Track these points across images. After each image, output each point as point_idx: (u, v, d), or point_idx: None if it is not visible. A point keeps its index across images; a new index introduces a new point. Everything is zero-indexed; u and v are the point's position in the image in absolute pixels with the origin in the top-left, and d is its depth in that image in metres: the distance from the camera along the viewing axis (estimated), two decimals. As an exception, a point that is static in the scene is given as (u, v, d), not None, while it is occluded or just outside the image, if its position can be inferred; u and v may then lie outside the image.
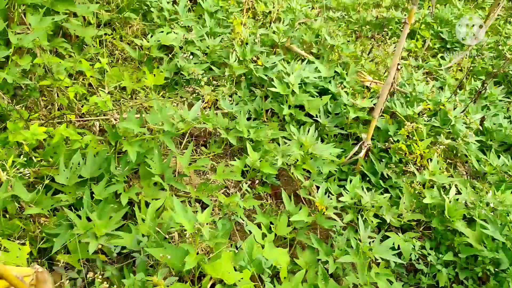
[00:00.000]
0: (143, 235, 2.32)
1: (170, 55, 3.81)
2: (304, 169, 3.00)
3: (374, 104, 3.60)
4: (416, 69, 4.79)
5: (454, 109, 3.69)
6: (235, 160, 2.99)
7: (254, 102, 3.69)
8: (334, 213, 2.75)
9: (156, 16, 4.13)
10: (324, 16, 5.45)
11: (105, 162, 2.59)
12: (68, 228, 2.26)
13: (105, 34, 3.71)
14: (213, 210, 2.83)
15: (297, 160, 3.00)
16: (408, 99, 3.91)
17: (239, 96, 3.73)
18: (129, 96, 3.53)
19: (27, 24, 2.82)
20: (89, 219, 2.27)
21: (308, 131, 3.13)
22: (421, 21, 5.64)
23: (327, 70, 4.01)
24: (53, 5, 2.89)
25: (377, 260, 2.55)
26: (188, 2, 4.37)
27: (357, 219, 2.69)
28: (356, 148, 3.30)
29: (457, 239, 2.77)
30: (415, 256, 2.72)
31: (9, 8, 2.78)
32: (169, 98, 3.61)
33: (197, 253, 2.17)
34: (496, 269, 2.62)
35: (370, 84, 4.07)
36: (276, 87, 3.58)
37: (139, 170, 2.76)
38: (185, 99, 3.60)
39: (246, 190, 2.91)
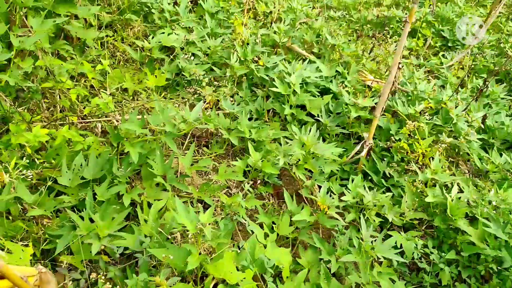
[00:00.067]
0: (145, 236, 2.33)
1: (171, 56, 3.82)
2: (306, 169, 3.00)
3: (375, 103, 3.60)
4: (418, 67, 4.78)
5: (456, 107, 3.68)
6: (237, 160, 3.00)
7: (255, 102, 3.70)
8: (336, 213, 2.75)
9: (157, 17, 4.15)
10: (325, 16, 5.46)
11: (107, 163, 2.61)
12: (71, 229, 2.27)
13: (107, 36, 3.73)
14: (215, 210, 2.84)
15: (299, 160, 3.00)
16: (409, 97, 3.90)
17: (240, 97, 3.73)
18: (131, 97, 3.54)
19: (28, 26, 2.83)
20: (91, 220, 2.28)
21: (310, 130, 3.13)
22: (422, 19, 5.64)
23: (328, 69, 4.02)
24: (55, 7, 2.90)
25: (380, 259, 2.55)
26: (189, 3, 4.38)
27: (359, 218, 2.69)
28: (358, 147, 3.30)
29: (459, 237, 2.77)
30: (418, 254, 2.72)
31: (11, 11, 2.79)
32: (171, 99, 3.61)
33: (200, 253, 2.18)
34: (498, 267, 2.61)
35: (371, 83, 4.07)
36: (277, 87, 3.58)
37: (141, 171, 2.77)
38: (186, 100, 3.61)
39: (248, 190, 2.91)
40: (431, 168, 3.07)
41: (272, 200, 3.13)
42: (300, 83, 3.62)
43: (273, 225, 2.72)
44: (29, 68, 2.76)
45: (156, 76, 3.31)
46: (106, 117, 3.14)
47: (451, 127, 3.61)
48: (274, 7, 4.94)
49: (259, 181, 3.11)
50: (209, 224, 2.18)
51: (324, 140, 3.53)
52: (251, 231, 2.65)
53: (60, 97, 3.05)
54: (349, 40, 4.90)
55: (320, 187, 2.92)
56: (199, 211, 2.39)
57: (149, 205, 2.55)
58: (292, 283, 2.37)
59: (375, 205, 2.80)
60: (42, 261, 2.29)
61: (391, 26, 5.63)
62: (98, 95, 3.29)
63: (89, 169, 2.55)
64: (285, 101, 3.62)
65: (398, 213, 2.85)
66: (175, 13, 4.21)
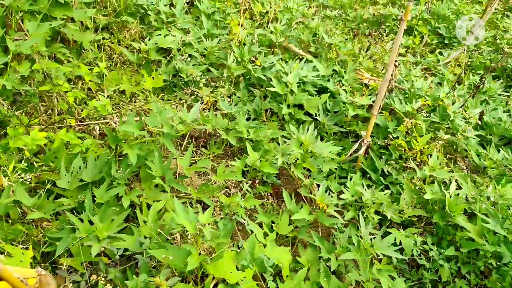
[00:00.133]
0: (145, 237, 2.33)
1: (168, 58, 3.83)
2: (304, 168, 3.01)
3: (372, 101, 3.61)
4: (414, 65, 4.79)
5: (453, 104, 3.69)
6: (235, 161, 3.00)
7: (253, 102, 3.70)
8: (335, 211, 2.76)
9: (154, 19, 4.15)
10: (321, 15, 5.47)
11: (106, 165, 2.61)
12: (71, 231, 2.27)
13: (103, 38, 3.73)
14: (214, 210, 2.84)
15: (297, 159, 3.00)
16: (406, 95, 3.91)
17: (238, 97, 3.74)
18: (128, 99, 3.54)
19: (24, 30, 2.83)
20: (91, 222, 2.29)
21: (308, 129, 3.14)
22: (418, 17, 5.65)
23: (325, 68, 4.03)
24: (50, 11, 2.90)
25: (379, 256, 2.56)
26: (185, 4, 4.38)
27: (358, 216, 2.69)
28: (356, 145, 3.30)
29: (458, 233, 2.77)
30: (417, 251, 2.72)
31: (7, 15, 2.79)
32: (168, 100, 3.62)
33: (199, 254, 2.18)
34: (498, 263, 2.62)
35: (368, 82, 4.08)
36: (274, 87, 3.59)
37: (140, 172, 2.77)
38: (184, 101, 3.61)
39: (247, 190, 2.92)
40: (429, 165, 3.08)
41: (271, 199, 3.14)
42: (297, 83, 3.62)
43: (273, 224, 2.73)
44: (26, 72, 2.76)
45: (153, 77, 3.31)
46: (104, 119, 3.14)
47: (448, 124, 3.62)
48: (270, 7, 4.95)
49: (257, 181, 3.12)
50: (209, 224, 2.18)
51: (322, 139, 3.54)
52: (251, 230, 2.65)
53: (57, 100, 3.06)
54: (346, 39, 4.91)
55: (318, 185, 2.92)
56: (198, 212, 2.39)
57: (148, 206, 2.55)
58: (292, 282, 2.38)
59: (373, 203, 2.81)
60: (42, 264, 2.29)
61: (387, 24, 5.65)
62: (96, 98, 3.29)
63: (87, 171, 2.55)
64: (283, 100, 3.63)
65: (397, 210, 2.86)
66: (171, 14, 4.21)
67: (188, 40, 3.93)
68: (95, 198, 2.43)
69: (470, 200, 2.92)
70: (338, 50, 4.35)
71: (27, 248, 2.13)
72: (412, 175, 3.11)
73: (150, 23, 4.14)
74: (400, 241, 2.73)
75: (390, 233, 2.74)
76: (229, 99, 3.62)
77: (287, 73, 3.65)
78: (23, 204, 2.31)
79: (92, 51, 3.58)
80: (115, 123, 3.14)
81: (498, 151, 3.54)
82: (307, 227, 2.77)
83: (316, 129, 3.20)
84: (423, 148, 3.20)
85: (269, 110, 3.75)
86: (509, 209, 2.78)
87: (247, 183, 2.94)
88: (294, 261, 2.59)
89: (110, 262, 2.38)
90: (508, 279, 2.54)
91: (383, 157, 3.35)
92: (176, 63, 3.68)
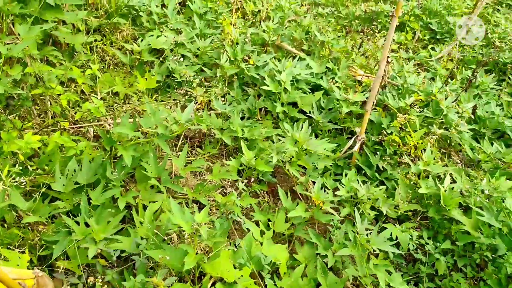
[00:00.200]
0: (141, 238, 2.33)
1: (161, 58, 3.82)
2: (299, 165, 3.01)
3: (366, 98, 3.63)
4: (407, 61, 4.81)
5: (446, 99, 3.71)
6: (230, 160, 3.00)
7: (247, 101, 3.70)
8: (331, 208, 2.77)
9: (146, 20, 4.14)
10: (313, 13, 5.47)
11: (101, 167, 2.60)
12: (67, 234, 2.27)
13: (95, 40, 3.72)
14: (210, 210, 2.84)
15: (292, 157, 3.01)
16: (399, 91, 3.93)
17: (232, 96, 3.74)
18: (122, 101, 3.53)
19: (16, 33, 2.82)
20: (87, 225, 2.29)
21: (302, 127, 3.15)
22: (410, 13, 5.67)
23: (319, 66, 4.04)
24: (41, 14, 2.89)
25: (376, 251, 2.57)
26: (177, 4, 4.37)
27: (354, 212, 2.70)
28: (351, 142, 3.32)
29: (454, 227, 2.79)
30: (413, 246, 2.74)
31: (-2, 19, 2.78)
32: (162, 101, 3.61)
33: (196, 253, 2.19)
34: (493, 255, 2.64)
35: (361, 78, 4.09)
36: (268, 86, 3.59)
37: (135, 174, 2.77)
38: (178, 101, 3.61)
39: (243, 188, 2.92)
40: (424, 160, 3.10)
41: (267, 197, 3.14)
42: (290, 81, 3.63)
43: (269, 222, 2.74)
44: (18, 75, 2.75)
45: (146, 78, 3.31)
46: (98, 121, 3.13)
47: (441, 119, 3.64)
48: (262, 6, 4.95)
49: (253, 180, 3.12)
50: (205, 223, 2.19)
51: (316, 136, 3.55)
52: (247, 229, 2.66)
53: (50, 103, 3.05)
54: (338, 36, 4.92)
55: (314, 183, 2.93)
56: (194, 212, 2.40)
57: (144, 207, 2.55)
58: (289, 279, 2.39)
59: (369, 199, 2.82)
60: (39, 267, 2.28)
61: (379, 20, 5.66)
62: (89, 100, 3.28)
63: (82, 174, 2.55)
64: (277, 99, 3.64)
65: (392, 205, 2.88)
66: (163, 15, 4.21)
67: (180, 40, 3.92)
68: (90, 201, 2.43)
69: (464, 193, 2.94)
70: (331, 48, 4.36)
71: (23, 252, 2.12)
72: (407, 170, 3.13)
73: (142, 24, 4.13)
74: (396, 236, 2.74)
75: (386, 228, 2.76)
76: (223, 99, 3.63)
77: (280, 72, 3.66)
78: (19, 208, 2.31)
79: (84, 53, 3.56)
80: (109, 125, 3.14)
81: (492, 144, 3.56)
82: (304, 224, 2.78)
83: (310, 127, 3.21)
84: (417, 143, 3.21)
85: (263, 108, 3.75)
86: (503, 201, 2.80)
87: (242, 182, 2.95)
88: (291, 258, 2.59)
89: (107, 264, 2.38)
90: (503, 271, 2.56)
91: (378, 153, 3.37)
92: (169, 64, 3.68)
